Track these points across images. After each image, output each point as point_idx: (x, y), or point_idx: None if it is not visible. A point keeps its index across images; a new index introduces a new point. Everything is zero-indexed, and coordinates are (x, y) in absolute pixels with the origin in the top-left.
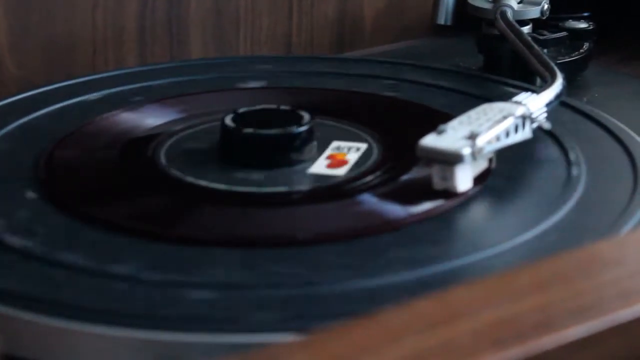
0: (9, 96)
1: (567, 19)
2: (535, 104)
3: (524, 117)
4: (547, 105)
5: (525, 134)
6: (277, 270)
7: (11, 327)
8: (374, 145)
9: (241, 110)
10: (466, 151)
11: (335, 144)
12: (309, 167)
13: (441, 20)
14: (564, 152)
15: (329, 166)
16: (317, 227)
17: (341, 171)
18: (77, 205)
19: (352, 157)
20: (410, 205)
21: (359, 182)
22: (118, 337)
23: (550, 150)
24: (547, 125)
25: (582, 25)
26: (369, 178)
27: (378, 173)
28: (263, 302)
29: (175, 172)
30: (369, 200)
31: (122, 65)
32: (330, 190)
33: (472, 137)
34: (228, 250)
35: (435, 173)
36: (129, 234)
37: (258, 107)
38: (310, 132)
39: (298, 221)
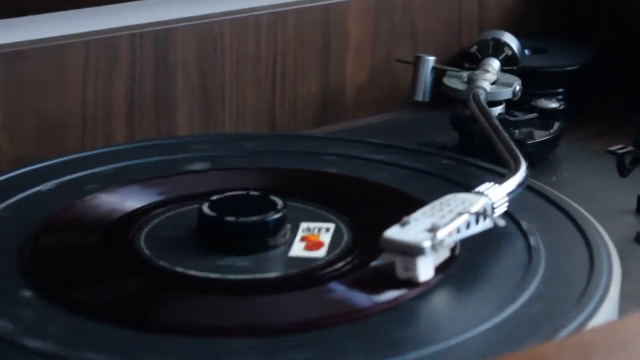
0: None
1: (540, 97)
2: (497, 194)
3: (485, 209)
4: (509, 194)
5: (486, 224)
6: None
7: None
8: (344, 229)
9: (216, 196)
10: (427, 244)
11: (304, 225)
12: (286, 250)
13: (419, 97)
14: (525, 238)
15: (307, 248)
16: (288, 316)
17: (320, 253)
18: (59, 291)
19: (325, 238)
20: (375, 294)
21: (330, 269)
22: None
23: (512, 237)
24: (501, 223)
25: (554, 105)
26: (339, 264)
27: (348, 259)
28: None
29: (154, 258)
30: (338, 288)
31: (112, 140)
32: (303, 278)
33: (433, 229)
34: (201, 339)
35: (398, 263)
36: (105, 320)
37: (232, 193)
38: (284, 217)
39: (270, 310)
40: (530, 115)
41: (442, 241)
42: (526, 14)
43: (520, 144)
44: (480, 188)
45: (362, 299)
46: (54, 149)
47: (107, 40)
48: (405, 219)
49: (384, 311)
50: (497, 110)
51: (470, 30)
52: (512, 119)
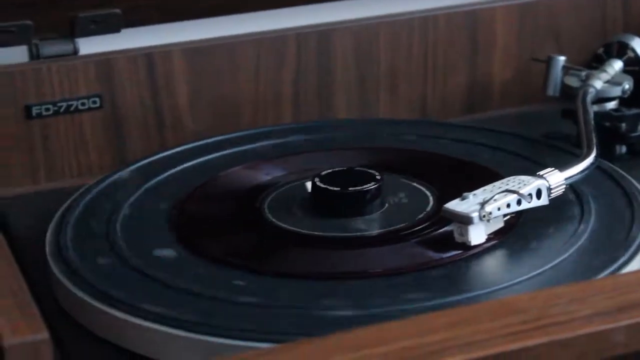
0: (184, 143)
1: None
2: (555, 178)
3: (539, 190)
4: (567, 179)
5: (542, 201)
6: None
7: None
8: (431, 198)
9: (326, 171)
10: (474, 215)
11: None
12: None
13: (550, 92)
14: (581, 213)
15: None
16: (383, 264)
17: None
18: (200, 244)
19: None
20: (440, 252)
21: (412, 230)
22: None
23: (570, 211)
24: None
25: None
26: (419, 227)
27: (427, 223)
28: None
29: (275, 220)
30: (414, 245)
31: (280, 121)
32: (390, 236)
33: (483, 203)
34: (311, 282)
35: (455, 229)
36: (234, 267)
37: (340, 168)
38: (378, 189)
39: (367, 260)
40: (635, 110)
41: (489, 213)
42: None
43: (623, 135)
44: (542, 172)
45: (431, 254)
46: (229, 129)
47: (276, 40)
48: (465, 194)
49: (446, 264)
50: (610, 105)
51: (613, 32)
52: (615, 114)
